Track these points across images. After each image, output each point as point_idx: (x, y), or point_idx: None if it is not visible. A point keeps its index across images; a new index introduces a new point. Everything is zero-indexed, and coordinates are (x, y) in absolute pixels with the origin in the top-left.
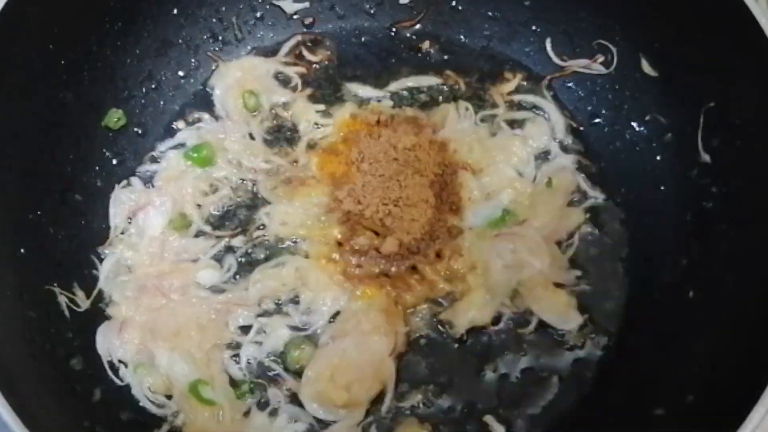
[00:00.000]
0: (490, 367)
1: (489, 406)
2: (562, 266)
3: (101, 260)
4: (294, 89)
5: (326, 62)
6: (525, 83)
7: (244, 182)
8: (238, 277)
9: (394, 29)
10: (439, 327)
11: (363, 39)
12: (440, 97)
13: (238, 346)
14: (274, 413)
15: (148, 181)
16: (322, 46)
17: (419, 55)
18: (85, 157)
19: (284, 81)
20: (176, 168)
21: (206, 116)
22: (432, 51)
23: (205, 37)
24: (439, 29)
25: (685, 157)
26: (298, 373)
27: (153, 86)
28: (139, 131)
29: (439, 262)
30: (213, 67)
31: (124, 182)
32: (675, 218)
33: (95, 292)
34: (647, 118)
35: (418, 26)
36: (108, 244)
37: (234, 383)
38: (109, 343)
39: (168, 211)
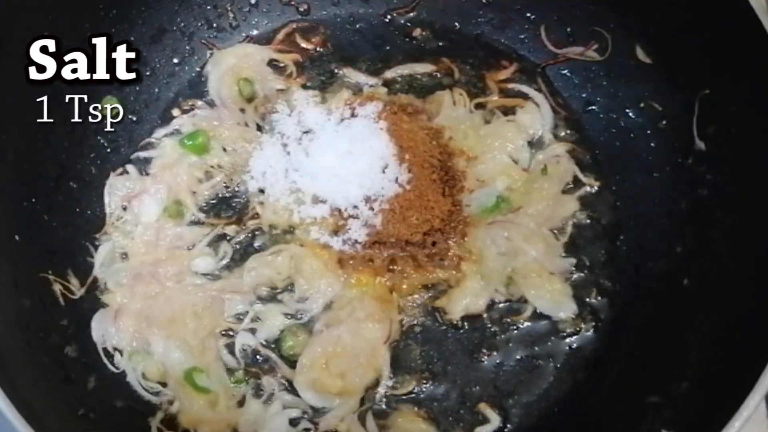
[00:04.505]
0: (485, 354)
1: (484, 394)
2: (556, 254)
3: (96, 248)
4: (289, 76)
5: (321, 49)
6: (519, 71)
7: (239, 170)
8: (233, 264)
9: (388, 16)
10: (434, 314)
11: (358, 26)
12: (435, 85)
13: (233, 333)
14: (268, 401)
15: (142, 168)
16: (317, 33)
17: (414, 42)
18: (80, 145)
19: (279, 68)
20: (171, 155)
21: (201, 103)
22: (427, 38)
23: (199, 24)
24: (434, 16)
25: (679, 144)
26: (292, 361)
27: (147, 73)
28: (134, 118)
29: (434, 249)
30: (208, 55)
31: (119, 169)
32: (669, 206)
33: (90, 279)
34: (642, 105)
35: (412, 13)
36: (103, 232)
37: (229, 371)
38: (104, 330)
39: (163, 198)
